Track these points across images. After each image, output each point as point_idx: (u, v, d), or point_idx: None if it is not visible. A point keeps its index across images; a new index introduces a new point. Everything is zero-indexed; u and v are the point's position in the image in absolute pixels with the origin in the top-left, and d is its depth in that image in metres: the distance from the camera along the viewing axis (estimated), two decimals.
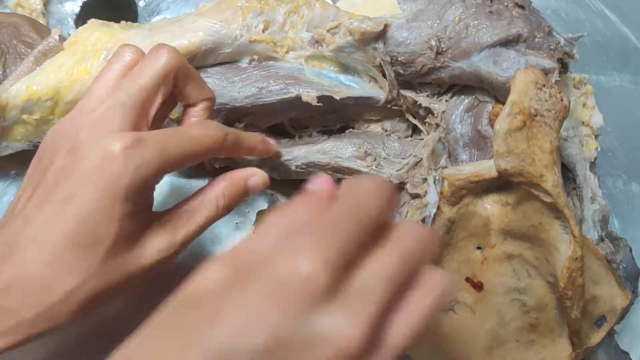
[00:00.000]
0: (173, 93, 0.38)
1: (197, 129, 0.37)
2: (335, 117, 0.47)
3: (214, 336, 0.23)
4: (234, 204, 0.39)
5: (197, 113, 0.39)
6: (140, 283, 0.36)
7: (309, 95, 0.44)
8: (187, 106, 0.39)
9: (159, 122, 0.38)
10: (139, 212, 0.34)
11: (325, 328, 0.23)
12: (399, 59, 0.42)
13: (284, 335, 0.23)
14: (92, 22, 0.45)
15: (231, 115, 0.46)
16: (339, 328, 0.23)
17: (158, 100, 0.36)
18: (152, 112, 0.36)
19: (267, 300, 0.23)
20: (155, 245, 0.35)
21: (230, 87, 0.44)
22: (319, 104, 0.44)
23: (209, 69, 0.45)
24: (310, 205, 0.27)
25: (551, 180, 0.36)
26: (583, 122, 0.44)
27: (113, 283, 0.34)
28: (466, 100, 0.44)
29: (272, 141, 0.44)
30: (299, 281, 0.23)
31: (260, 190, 0.41)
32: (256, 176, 0.40)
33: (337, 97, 0.44)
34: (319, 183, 0.29)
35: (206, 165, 0.49)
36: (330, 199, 0.27)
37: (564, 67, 0.41)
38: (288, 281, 0.23)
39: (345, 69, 0.45)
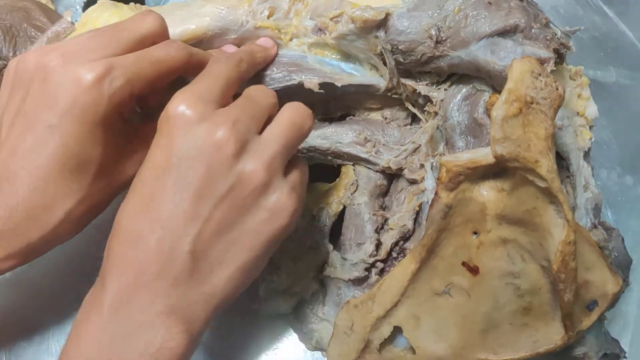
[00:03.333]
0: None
1: (159, 50, 0.37)
2: (336, 104, 0.48)
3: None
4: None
5: None
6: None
7: (311, 82, 0.44)
8: None
9: None
10: (120, 134, 0.37)
11: (242, 171, 0.34)
12: (400, 47, 0.43)
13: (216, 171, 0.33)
14: (102, 3, 0.46)
15: None
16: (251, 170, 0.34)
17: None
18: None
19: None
20: (139, 159, 0.37)
21: None
22: (321, 90, 0.45)
23: None
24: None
25: (546, 165, 0.37)
26: (578, 113, 0.45)
27: (105, 198, 0.38)
28: (464, 89, 0.44)
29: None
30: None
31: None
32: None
33: (339, 85, 0.45)
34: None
35: None
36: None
37: (560, 58, 0.42)
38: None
39: (347, 57, 0.46)
